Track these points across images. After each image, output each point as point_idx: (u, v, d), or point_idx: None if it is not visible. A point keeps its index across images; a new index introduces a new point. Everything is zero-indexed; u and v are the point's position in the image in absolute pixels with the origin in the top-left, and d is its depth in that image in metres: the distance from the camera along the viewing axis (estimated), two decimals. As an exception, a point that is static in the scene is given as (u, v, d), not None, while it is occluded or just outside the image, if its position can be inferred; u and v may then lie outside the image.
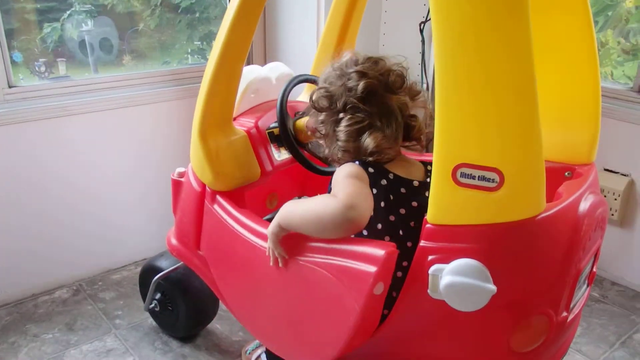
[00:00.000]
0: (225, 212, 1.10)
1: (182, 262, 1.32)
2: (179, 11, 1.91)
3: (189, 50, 2.01)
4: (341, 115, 0.90)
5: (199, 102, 1.07)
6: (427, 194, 0.82)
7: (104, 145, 1.69)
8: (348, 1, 1.30)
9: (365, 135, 0.89)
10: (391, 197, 0.90)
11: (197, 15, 1.94)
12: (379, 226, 0.90)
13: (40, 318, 1.56)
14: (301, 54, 1.82)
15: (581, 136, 1.04)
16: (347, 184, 0.85)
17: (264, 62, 1.93)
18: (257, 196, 1.35)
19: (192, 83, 1.81)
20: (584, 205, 0.87)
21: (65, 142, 1.61)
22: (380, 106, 0.89)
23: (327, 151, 0.96)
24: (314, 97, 0.93)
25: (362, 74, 0.89)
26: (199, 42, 2.00)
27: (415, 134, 0.93)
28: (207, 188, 1.14)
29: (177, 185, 1.22)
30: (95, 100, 1.63)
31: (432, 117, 0.81)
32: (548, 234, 0.80)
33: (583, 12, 0.96)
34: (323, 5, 1.69)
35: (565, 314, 0.84)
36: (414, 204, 0.91)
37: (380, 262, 0.78)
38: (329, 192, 1.07)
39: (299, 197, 1.92)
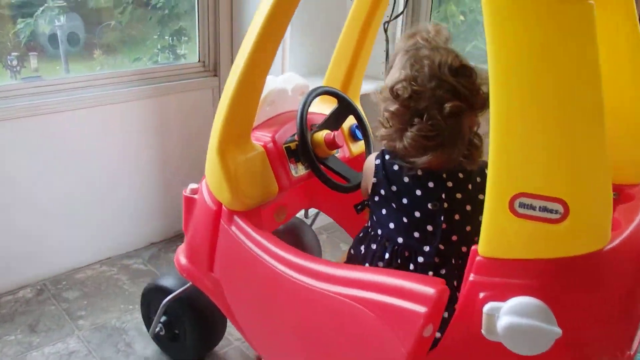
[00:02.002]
0: (244, 234, 1.05)
1: (190, 283, 1.26)
2: (150, 7, 1.93)
3: (159, 47, 2.03)
4: (416, 120, 0.89)
5: (218, 117, 1.01)
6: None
7: (70, 145, 1.68)
8: (367, 10, 1.24)
9: (429, 154, 0.89)
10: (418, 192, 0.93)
11: (167, 12, 1.96)
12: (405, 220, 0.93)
13: (2, 319, 1.54)
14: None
15: (629, 155, 1.00)
16: None
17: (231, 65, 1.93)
18: (265, 209, 1.30)
19: (162, 82, 1.82)
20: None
21: (31, 142, 1.60)
22: (455, 126, 0.89)
23: (382, 131, 0.96)
24: (396, 86, 0.91)
25: (455, 93, 0.88)
26: (170, 38, 2.02)
27: (473, 153, 0.92)
28: (223, 207, 1.08)
29: (189, 202, 1.17)
30: (64, 100, 1.63)
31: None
32: (613, 267, 0.76)
33: (630, 24, 0.92)
34: None
35: (629, 352, 0.80)
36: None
37: (432, 302, 0.74)
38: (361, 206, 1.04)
39: (307, 210, 1.89)
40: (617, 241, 0.76)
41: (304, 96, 1.10)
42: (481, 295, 0.75)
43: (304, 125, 1.08)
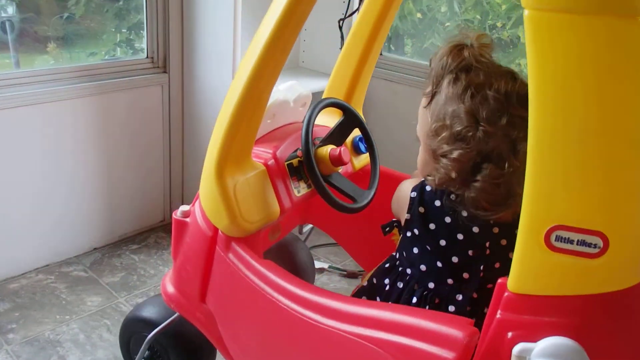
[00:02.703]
0: (242, 262, 0.98)
1: (178, 314, 1.19)
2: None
3: (117, 41, 2.00)
4: (484, 166, 0.79)
5: (216, 135, 0.95)
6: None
7: (6, 145, 1.62)
8: (375, 19, 1.20)
9: (504, 208, 0.80)
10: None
11: (122, 4, 1.92)
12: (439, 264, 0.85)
13: None
14: (217, 59, 1.80)
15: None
16: None
17: (182, 68, 1.92)
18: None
19: (106, 79, 1.79)
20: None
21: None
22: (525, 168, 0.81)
23: (439, 179, 0.84)
24: (457, 125, 0.80)
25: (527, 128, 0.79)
26: (127, 32, 1.99)
27: None
28: (219, 233, 1.01)
29: (180, 226, 1.10)
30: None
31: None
32: None
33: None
34: (240, 6, 1.68)
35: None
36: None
37: (461, 348, 0.69)
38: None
39: (302, 226, 1.83)
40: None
41: (308, 111, 1.05)
42: (510, 334, 0.71)
43: (310, 143, 1.02)
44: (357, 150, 1.27)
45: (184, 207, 1.09)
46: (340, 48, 1.86)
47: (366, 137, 1.19)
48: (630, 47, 0.59)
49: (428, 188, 0.87)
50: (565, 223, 0.66)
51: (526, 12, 0.60)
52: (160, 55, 1.91)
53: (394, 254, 0.97)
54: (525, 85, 0.79)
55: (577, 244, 0.66)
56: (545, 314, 0.70)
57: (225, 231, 1.00)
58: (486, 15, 2.21)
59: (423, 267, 0.88)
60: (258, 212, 1.00)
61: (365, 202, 1.08)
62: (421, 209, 0.87)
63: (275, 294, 0.92)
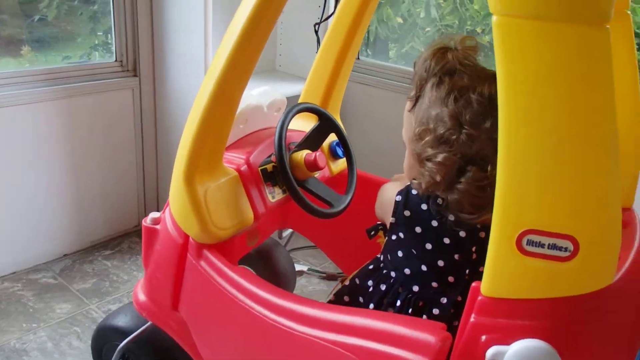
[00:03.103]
0: (215, 270, 0.96)
1: (150, 323, 1.16)
2: (77, 1, 1.87)
3: (94, 44, 1.98)
4: (468, 168, 0.78)
5: (185, 140, 0.93)
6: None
7: None
8: (351, 21, 1.19)
9: (488, 211, 0.78)
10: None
11: (97, 7, 1.89)
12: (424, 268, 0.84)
13: None
14: (189, 62, 1.78)
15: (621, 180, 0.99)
16: None
17: (153, 71, 1.90)
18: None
19: (75, 82, 1.76)
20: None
21: None
22: None
23: (425, 184, 0.83)
24: (440, 129, 0.79)
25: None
26: (103, 35, 1.96)
27: None
28: (190, 240, 0.99)
29: (150, 233, 1.07)
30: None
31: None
32: (619, 303, 0.74)
33: (627, 48, 0.91)
34: (210, 7, 1.67)
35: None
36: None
37: (434, 352, 0.69)
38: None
39: (281, 231, 1.81)
40: (621, 273, 0.74)
41: (282, 115, 1.03)
42: (483, 338, 0.71)
43: (283, 148, 1.01)
44: (334, 155, 1.26)
45: (154, 214, 1.07)
46: (317, 52, 1.88)
47: (343, 142, 1.18)
48: (600, 53, 0.59)
49: (414, 192, 0.86)
50: (537, 227, 0.66)
51: (494, 18, 0.60)
52: (130, 58, 1.87)
53: (379, 256, 0.96)
54: None
55: (548, 248, 0.67)
56: (518, 317, 0.70)
57: (196, 238, 0.98)
58: (464, 22, 2.23)
59: (407, 271, 0.88)
60: (230, 219, 0.99)
61: (342, 206, 1.07)
62: (407, 213, 0.86)
63: (249, 301, 0.90)
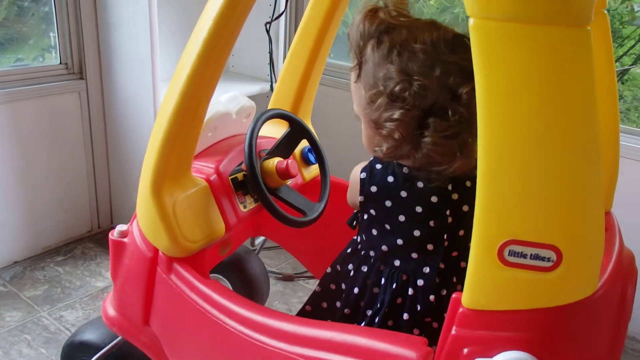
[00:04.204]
0: (186, 284, 0.92)
1: (121, 337, 1.11)
2: (27, 2, 1.78)
3: (47, 46, 1.88)
4: (430, 120, 0.76)
5: (151, 150, 0.87)
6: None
7: None
8: (321, 22, 1.15)
9: (459, 156, 0.77)
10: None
11: (47, 8, 1.80)
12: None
13: None
14: (137, 64, 1.72)
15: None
16: None
17: (100, 73, 1.83)
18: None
19: (17, 86, 1.68)
20: (625, 266, 0.80)
21: None
22: (472, 114, 0.75)
23: (386, 148, 0.80)
24: (390, 85, 0.76)
25: (463, 73, 0.74)
26: (54, 37, 1.87)
27: None
28: (160, 253, 0.94)
29: (118, 247, 1.01)
30: None
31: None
32: (601, 311, 0.71)
33: (605, 49, 0.89)
34: (155, 7, 1.61)
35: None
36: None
37: (416, 369, 0.65)
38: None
39: (254, 239, 1.76)
40: (603, 279, 0.72)
41: (252, 122, 0.99)
42: (465, 350, 0.68)
43: (253, 155, 0.96)
44: (306, 162, 1.21)
45: (121, 227, 1.01)
46: (269, 52, 1.84)
47: (315, 148, 1.14)
48: (581, 56, 0.56)
49: (378, 166, 0.83)
50: (519, 237, 0.63)
51: (472, 21, 0.56)
52: (76, 61, 1.79)
53: (355, 237, 0.93)
54: (449, 31, 0.77)
55: (530, 258, 0.64)
56: (500, 328, 0.67)
57: (165, 252, 0.93)
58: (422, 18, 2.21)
59: (385, 248, 0.85)
60: (201, 231, 0.94)
61: (316, 214, 1.03)
62: (373, 189, 0.83)
63: (221, 316, 0.86)
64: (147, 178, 0.88)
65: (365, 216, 0.87)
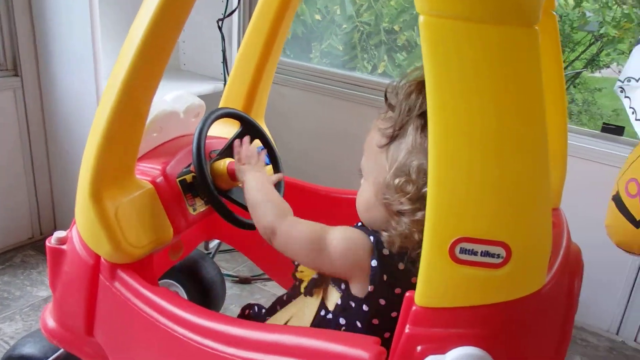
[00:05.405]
0: (131, 291, 0.87)
1: (63, 350, 1.05)
2: None
3: None
4: None
5: (89, 152, 0.82)
6: None
7: None
8: (272, 17, 1.11)
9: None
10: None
11: None
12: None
13: None
14: (77, 61, 1.64)
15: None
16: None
17: (37, 71, 1.73)
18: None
19: None
20: (572, 260, 0.82)
21: None
22: None
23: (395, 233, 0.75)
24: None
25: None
26: None
27: None
28: (102, 260, 0.89)
29: (56, 254, 0.95)
30: None
31: None
32: (551, 303, 0.73)
33: (553, 49, 0.90)
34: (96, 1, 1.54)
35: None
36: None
37: (369, 369, 0.63)
38: None
39: (208, 242, 1.71)
40: (548, 276, 0.73)
41: (200, 121, 0.95)
42: (419, 348, 0.67)
43: (202, 156, 0.92)
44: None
45: (59, 234, 0.94)
46: (222, 50, 1.79)
47: (268, 148, 1.11)
48: (529, 55, 0.56)
49: (385, 252, 0.76)
50: (469, 235, 0.63)
51: (422, 18, 0.55)
52: (9, 56, 1.68)
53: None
54: None
55: (481, 255, 0.64)
56: (453, 325, 0.67)
57: (108, 258, 0.88)
58: (381, 19, 2.22)
59: (375, 321, 0.80)
60: (147, 236, 0.89)
61: None
62: (384, 277, 0.77)
63: (170, 323, 0.81)
64: (85, 181, 0.82)
65: (366, 308, 0.78)
